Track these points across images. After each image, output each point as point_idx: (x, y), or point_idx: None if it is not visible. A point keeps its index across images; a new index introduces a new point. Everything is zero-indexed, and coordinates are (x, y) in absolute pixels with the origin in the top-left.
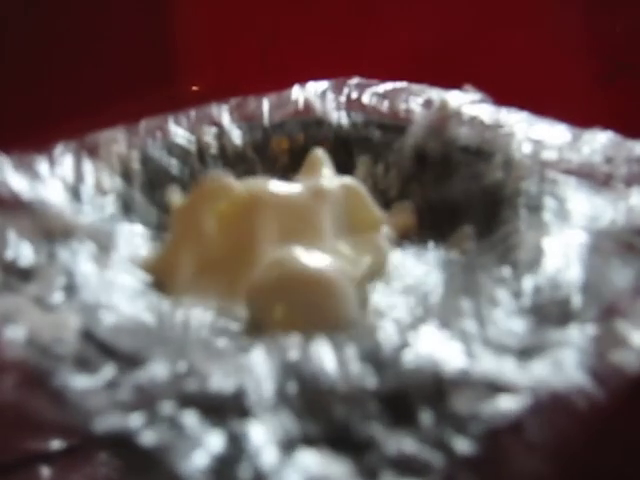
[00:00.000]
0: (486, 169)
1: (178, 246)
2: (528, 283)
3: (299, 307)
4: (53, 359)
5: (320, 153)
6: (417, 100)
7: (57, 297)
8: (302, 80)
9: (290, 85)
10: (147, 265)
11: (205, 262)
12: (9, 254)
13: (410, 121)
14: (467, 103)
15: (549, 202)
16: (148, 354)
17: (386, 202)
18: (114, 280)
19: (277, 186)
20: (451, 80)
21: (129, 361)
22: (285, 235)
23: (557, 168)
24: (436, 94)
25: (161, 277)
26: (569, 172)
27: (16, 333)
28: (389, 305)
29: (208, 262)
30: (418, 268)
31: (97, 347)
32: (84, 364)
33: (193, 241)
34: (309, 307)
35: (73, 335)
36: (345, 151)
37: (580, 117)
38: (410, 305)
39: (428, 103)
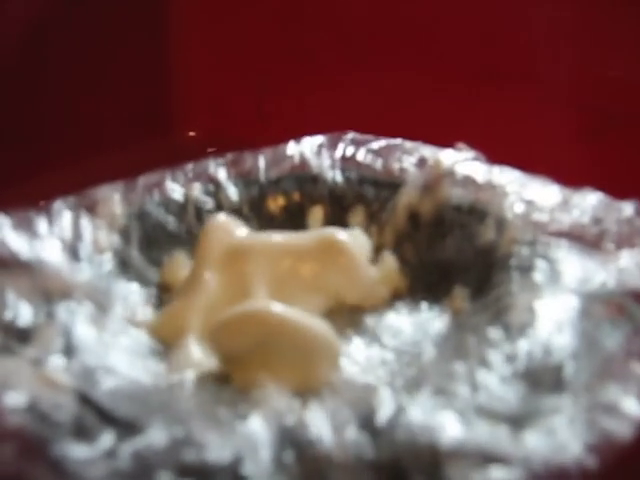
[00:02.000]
0: (479, 229)
1: (183, 303)
2: (520, 347)
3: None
4: (52, 427)
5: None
6: (410, 159)
7: (55, 360)
8: (296, 126)
9: (285, 131)
10: (154, 326)
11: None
12: (8, 315)
13: (404, 179)
14: (460, 162)
15: (541, 264)
16: (146, 421)
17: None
18: (112, 342)
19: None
20: (442, 133)
21: (127, 428)
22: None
23: (548, 230)
24: (429, 152)
25: (169, 337)
26: (560, 234)
27: (15, 400)
28: (381, 362)
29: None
30: (410, 327)
31: (95, 413)
32: (83, 432)
33: (197, 297)
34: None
35: (71, 401)
36: (340, 208)
37: (569, 171)
38: (402, 365)
39: (422, 161)
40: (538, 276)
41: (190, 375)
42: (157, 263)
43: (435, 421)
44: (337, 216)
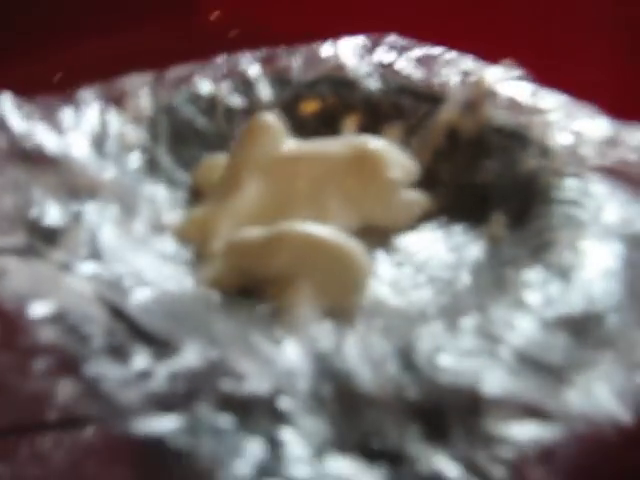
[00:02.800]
0: (520, 156)
1: (216, 206)
2: (562, 290)
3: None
4: (84, 342)
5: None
6: (453, 72)
7: (83, 266)
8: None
9: (316, 21)
10: (182, 228)
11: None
12: (34, 213)
13: (444, 93)
14: (505, 80)
15: (584, 200)
16: (180, 340)
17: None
18: (140, 247)
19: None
20: (487, 45)
21: (161, 347)
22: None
23: (593, 164)
24: (473, 66)
25: (197, 239)
26: (605, 170)
27: (45, 310)
28: (413, 285)
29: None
30: (444, 251)
31: (128, 328)
32: (116, 349)
33: (231, 201)
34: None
35: (103, 313)
36: (375, 117)
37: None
38: (436, 293)
39: (465, 76)
40: (581, 213)
41: (220, 288)
42: (185, 164)
43: (477, 365)
44: (372, 126)
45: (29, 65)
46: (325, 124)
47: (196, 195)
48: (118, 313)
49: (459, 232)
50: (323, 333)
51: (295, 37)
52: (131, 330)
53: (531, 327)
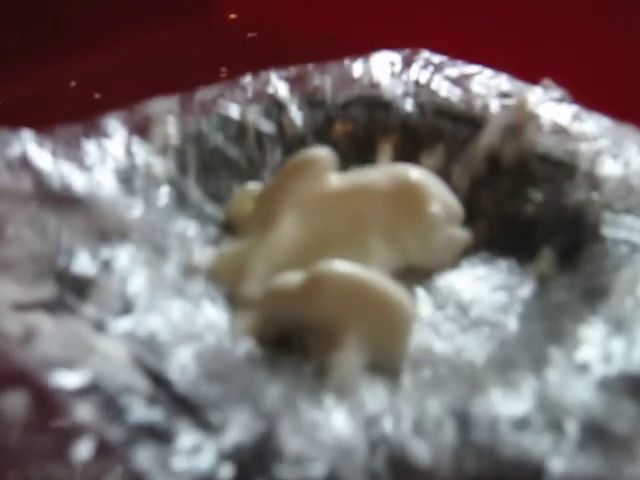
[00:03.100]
0: (567, 186)
1: (250, 244)
2: (622, 347)
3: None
4: (123, 418)
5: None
6: (491, 91)
7: (118, 323)
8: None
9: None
10: (214, 268)
11: (277, 265)
12: (63, 261)
13: (484, 117)
14: (546, 102)
15: (637, 239)
16: (226, 410)
17: None
18: (172, 293)
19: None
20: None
21: (207, 422)
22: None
23: None
24: (513, 86)
25: (230, 280)
26: None
27: (80, 381)
28: (460, 330)
29: (280, 265)
30: (489, 291)
31: (169, 398)
32: (159, 427)
33: (267, 238)
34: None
35: (141, 381)
36: (411, 142)
37: None
38: (484, 339)
39: (503, 96)
40: (635, 255)
41: (258, 337)
42: (215, 196)
43: (539, 439)
44: (409, 151)
45: (45, 71)
46: (360, 149)
47: (229, 229)
48: (158, 379)
49: (503, 269)
50: (373, 394)
51: (312, 38)
52: (173, 400)
53: (592, 391)
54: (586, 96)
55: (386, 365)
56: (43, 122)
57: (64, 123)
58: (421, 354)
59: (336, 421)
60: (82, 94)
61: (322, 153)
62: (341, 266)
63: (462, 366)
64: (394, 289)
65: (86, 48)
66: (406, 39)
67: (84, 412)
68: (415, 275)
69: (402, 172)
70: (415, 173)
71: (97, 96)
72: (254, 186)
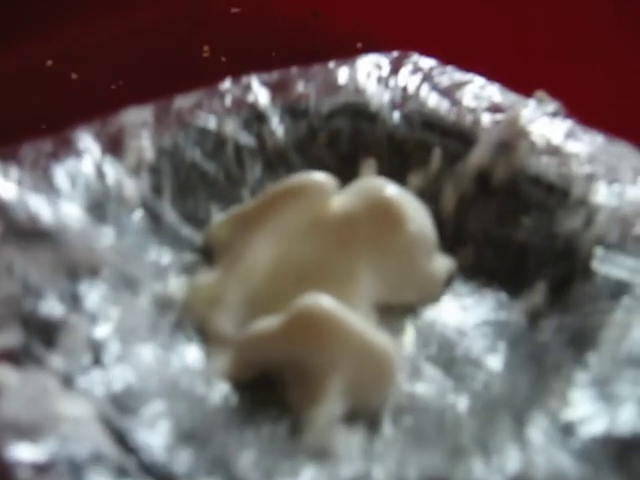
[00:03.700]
0: (559, 213)
1: (226, 274)
2: (607, 408)
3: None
4: None
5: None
6: (484, 104)
7: (86, 378)
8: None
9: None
10: (187, 301)
11: (254, 296)
12: (29, 303)
13: (475, 132)
14: (540, 117)
15: (630, 278)
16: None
17: (439, 224)
18: (147, 334)
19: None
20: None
21: None
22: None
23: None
24: (505, 99)
25: (203, 314)
26: None
27: (45, 454)
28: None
29: (257, 295)
30: (473, 326)
31: (139, 467)
32: None
33: (243, 267)
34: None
35: (110, 447)
36: (398, 157)
37: None
38: (468, 381)
39: (495, 109)
40: (626, 298)
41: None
42: (192, 217)
43: None
44: (395, 167)
45: (20, 50)
46: (344, 163)
47: (206, 254)
48: (126, 445)
49: (491, 302)
50: (350, 455)
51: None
52: (142, 470)
53: (575, 461)
54: (581, 106)
55: (367, 412)
56: (18, 102)
57: (40, 104)
58: (403, 398)
59: None
60: (59, 74)
61: (321, 179)
62: (322, 305)
63: (445, 413)
64: (378, 335)
65: (63, 26)
66: (394, 17)
67: None
68: (398, 308)
69: (378, 195)
70: (390, 193)
71: (74, 76)
72: (235, 210)
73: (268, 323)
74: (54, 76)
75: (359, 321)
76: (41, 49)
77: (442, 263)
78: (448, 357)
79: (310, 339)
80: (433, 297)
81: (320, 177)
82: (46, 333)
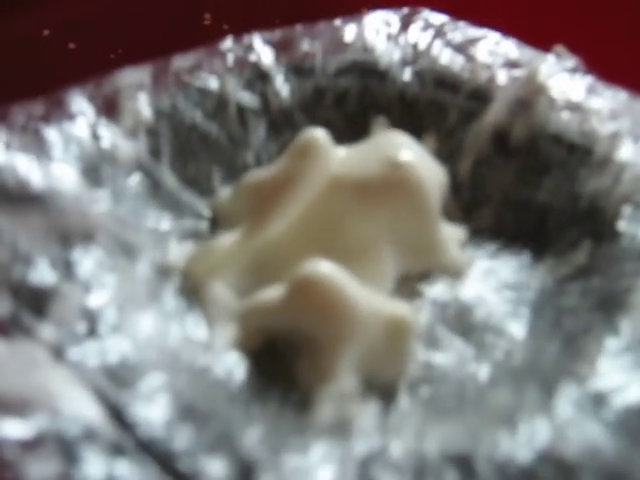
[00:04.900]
0: (583, 173)
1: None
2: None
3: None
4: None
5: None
6: (499, 60)
7: (80, 349)
8: None
9: None
10: (190, 269)
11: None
12: (19, 272)
13: (491, 89)
14: (559, 73)
15: None
16: (200, 459)
17: (455, 186)
18: (146, 303)
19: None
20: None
21: (179, 476)
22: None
23: None
24: (521, 54)
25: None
26: None
27: (35, 429)
28: (461, 339)
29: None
30: (493, 292)
31: (135, 444)
32: None
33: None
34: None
35: (105, 424)
36: (410, 116)
37: None
38: (488, 348)
39: (511, 65)
40: None
41: (239, 363)
42: (193, 182)
43: None
44: (406, 128)
45: (17, 20)
46: (353, 124)
47: (209, 220)
48: (124, 423)
49: (511, 265)
50: (364, 430)
51: None
52: (139, 448)
53: (608, 434)
54: (602, 64)
55: (382, 384)
56: (16, 73)
57: (38, 74)
58: (420, 368)
59: (323, 472)
60: (56, 44)
61: (320, 136)
62: (321, 272)
63: (465, 384)
64: (389, 302)
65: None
66: None
67: (35, 471)
68: (413, 275)
69: (394, 159)
70: (406, 156)
71: (72, 46)
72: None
73: (272, 292)
74: (52, 46)
75: (362, 288)
76: (38, 19)
77: (453, 233)
78: (467, 324)
79: (312, 308)
80: (450, 262)
81: (317, 134)
82: (36, 302)
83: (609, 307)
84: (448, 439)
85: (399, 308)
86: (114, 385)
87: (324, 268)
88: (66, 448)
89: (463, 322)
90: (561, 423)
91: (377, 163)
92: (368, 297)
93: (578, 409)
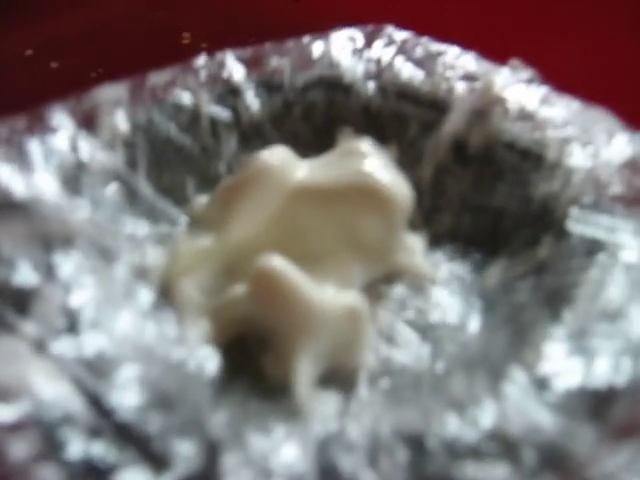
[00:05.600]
0: (534, 177)
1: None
2: (583, 361)
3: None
4: (62, 452)
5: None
6: (457, 72)
7: (60, 344)
8: None
9: None
10: (166, 271)
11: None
12: (2, 274)
13: (450, 100)
14: (514, 84)
15: (605, 237)
16: (173, 443)
17: (417, 193)
18: (123, 302)
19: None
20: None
21: (153, 456)
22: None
23: (614, 193)
24: (479, 67)
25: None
26: (627, 200)
27: (18, 414)
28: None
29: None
30: (449, 291)
31: (112, 428)
32: (101, 466)
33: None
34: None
35: (84, 410)
36: (374, 127)
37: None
38: (445, 346)
39: (470, 78)
40: (602, 256)
41: (210, 357)
42: (168, 191)
43: (498, 469)
44: (370, 137)
45: (2, 39)
46: (320, 136)
47: (184, 228)
48: (100, 407)
49: (468, 266)
50: (324, 415)
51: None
52: (115, 431)
53: (551, 413)
54: (557, 75)
55: (343, 375)
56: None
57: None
58: (379, 364)
59: (285, 451)
60: (38, 63)
61: (282, 154)
62: (273, 266)
63: (422, 375)
64: (340, 295)
65: (42, 15)
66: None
67: (18, 451)
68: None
69: (358, 168)
70: (369, 166)
71: (54, 65)
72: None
73: (239, 288)
74: (34, 65)
75: (311, 282)
76: (21, 38)
77: (414, 241)
78: (425, 322)
79: (270, 301)
80: (414, 268)
81: (279, 152)
82: (19, 301)
83: (556, 300)
84: (402, 421)
85: (350, 298)
86: (92, 375)
87: (275, 262)
88: (47, 430)
89: (421, 320)
90: (507, 405)
91: (341, 171)
92: (318, 289)
93: (523, 392)
